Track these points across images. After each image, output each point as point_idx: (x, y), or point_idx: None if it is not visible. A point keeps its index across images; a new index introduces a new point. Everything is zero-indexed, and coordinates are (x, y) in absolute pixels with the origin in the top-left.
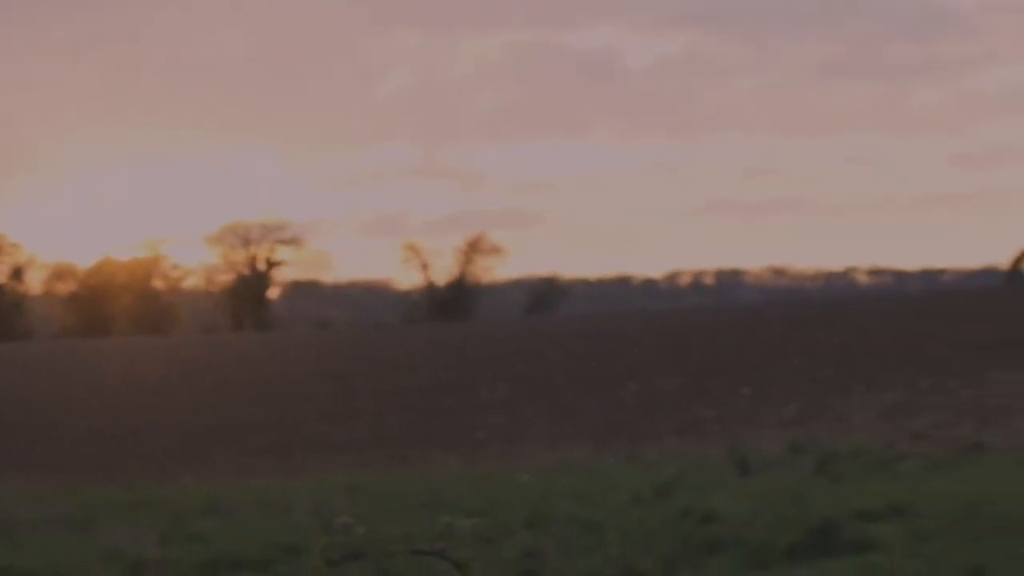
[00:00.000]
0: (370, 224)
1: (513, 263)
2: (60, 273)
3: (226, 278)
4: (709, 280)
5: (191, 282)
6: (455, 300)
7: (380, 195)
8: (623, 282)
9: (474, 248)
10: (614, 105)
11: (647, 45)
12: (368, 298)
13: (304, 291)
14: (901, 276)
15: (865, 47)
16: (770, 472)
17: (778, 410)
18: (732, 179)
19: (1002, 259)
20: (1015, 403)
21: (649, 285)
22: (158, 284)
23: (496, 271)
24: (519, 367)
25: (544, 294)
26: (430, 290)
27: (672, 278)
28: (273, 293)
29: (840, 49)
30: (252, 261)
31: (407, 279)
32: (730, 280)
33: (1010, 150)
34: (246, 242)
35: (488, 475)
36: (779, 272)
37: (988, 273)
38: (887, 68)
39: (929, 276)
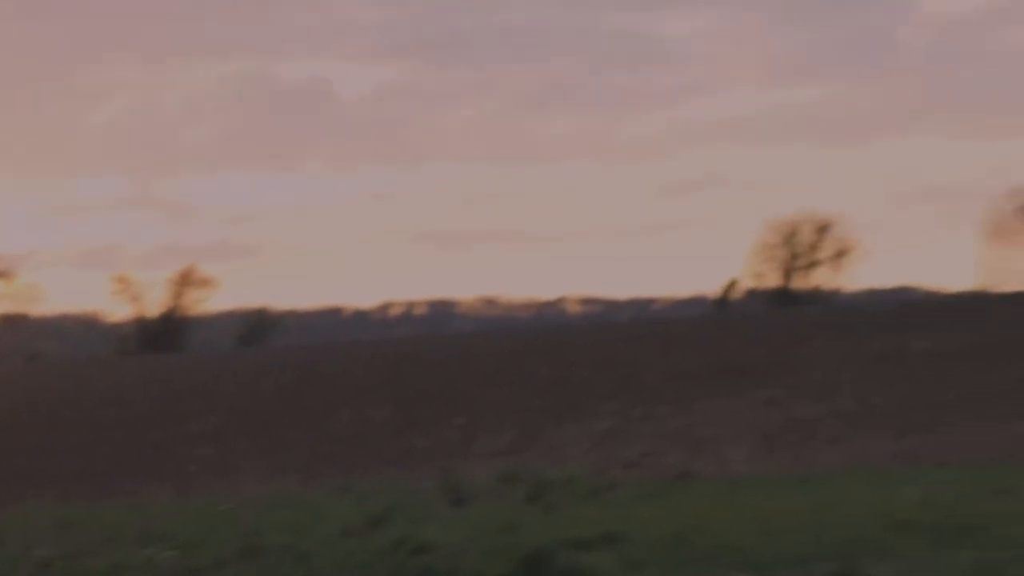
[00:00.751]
0: (82, 256)
1: (225, 295)
2: None
3: None
4: (421, 310)
5: None
6: (166, 332)
7: (93, 226)
8: (335, 313)
9: (185, 280)
10: (328, 135)
11: (361, 75)
12: (79, 331)
13: (14, 324)
14: (612, 305)
15: (579, 77)
16: (483, 502)
17: (491, 440)
18: (446, 209)
19: (712, 287)
20: (724, 431)
21: (361, 316)
22: None
23: (208, 303)
24: (230, 399)
25: (256, 326)
26: (141, 322)
27: (384, 309)
28: None
29: (555, 79)
30: None
31: (118, 311)
32: (442, 310)
33: (720, 178)
34: None
35: (200, 508)
36: (491, 302)
37: (698, 302)
38: (601, 98)
39: (640, 305)
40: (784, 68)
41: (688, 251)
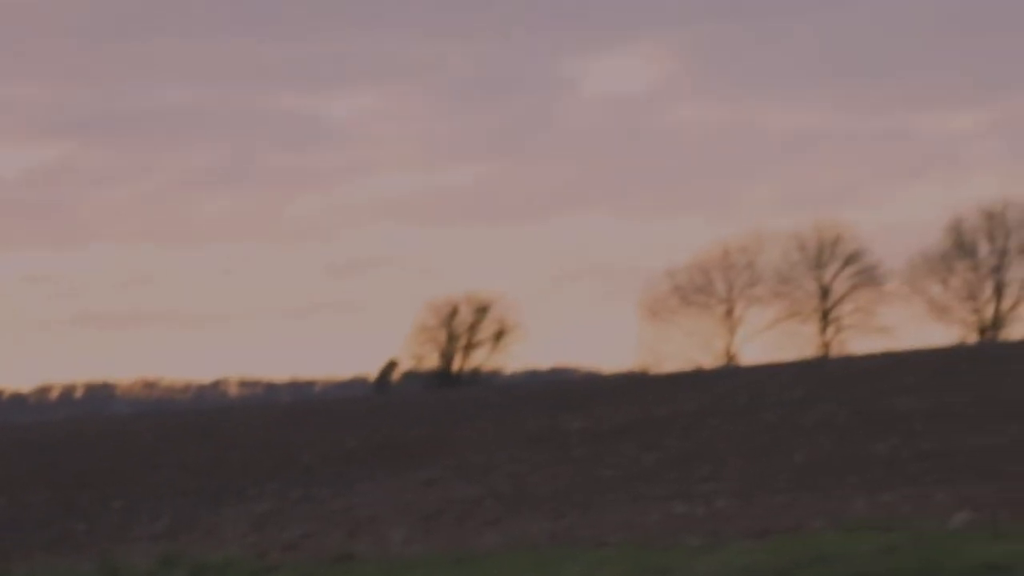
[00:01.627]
0: None
1: None
2: None
3: None
4: (80, 393)
5: None
6: None
7: None
8: None
9: None
10: None
11: (18, 155)
12: None
13: None
14: (272, 387)
15: (241, 157)
16: None
17: (150, 523)
18: (105, 290)
19: (373, 369)
20: (383, 512)
21: (19, 399)
22: None
23: None
24: None
25: None
26: None
27: (42, 392)
28: None
29: (216, 159)
30: None
31: None
32: (101, 393)
33: (382, 259)
34: None
35: None
36: (150, 385)
37: (359, 383)
38: (263, 178)
39: (300, 387)
40: (446, 149)
41: (350, 332)
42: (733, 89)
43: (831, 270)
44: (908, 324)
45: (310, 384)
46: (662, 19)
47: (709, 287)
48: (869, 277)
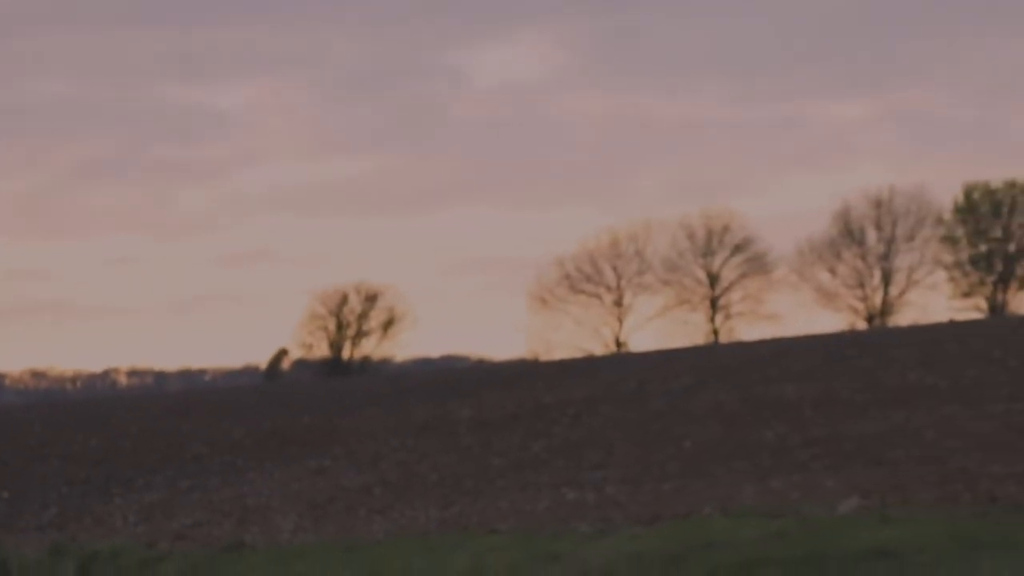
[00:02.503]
0: None
1: None
2: None
3: None
4: None
5: None
6: None
7: None
8: None
9: None
10: None
11: None
12: None
13: None
14: (162, 377)
15: (127, 150)
16: (32, 575)
17: (38, 513)
18: None
19: (262, 357)
20: (273, 501)
21: None
22: None
23: None
24: None
25: None
26: None
27: None
28: None
29: (102, 152)
30: None
31: None
32: None
33: (271, 250)
34: None
35: None
36: (39, 375)
37: (251, 372)
38: (150, 170)
39: (190, 376)
40: (335, 140)
41: (241, 322)
42: (622, 79)
43: (720, 258)
44: (796, 311)
45: (200, 373)
46: (551, 9)
47: (598, 275)
48: (758, 265)
